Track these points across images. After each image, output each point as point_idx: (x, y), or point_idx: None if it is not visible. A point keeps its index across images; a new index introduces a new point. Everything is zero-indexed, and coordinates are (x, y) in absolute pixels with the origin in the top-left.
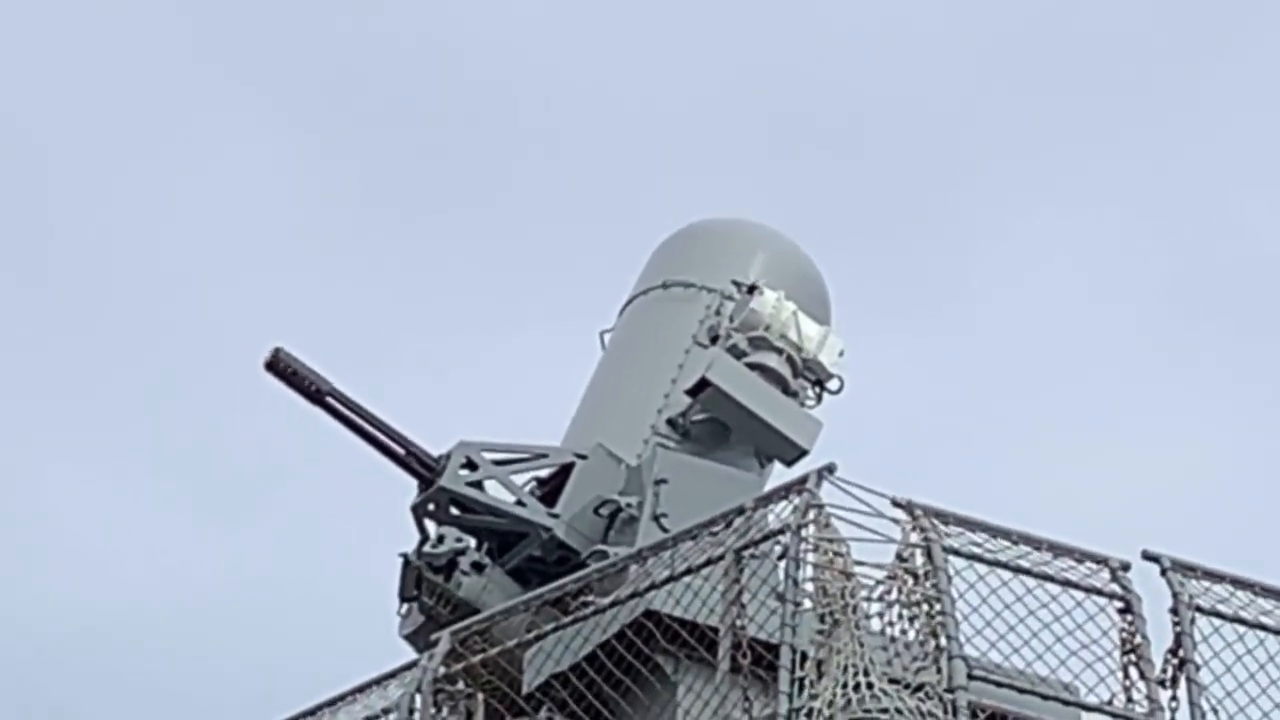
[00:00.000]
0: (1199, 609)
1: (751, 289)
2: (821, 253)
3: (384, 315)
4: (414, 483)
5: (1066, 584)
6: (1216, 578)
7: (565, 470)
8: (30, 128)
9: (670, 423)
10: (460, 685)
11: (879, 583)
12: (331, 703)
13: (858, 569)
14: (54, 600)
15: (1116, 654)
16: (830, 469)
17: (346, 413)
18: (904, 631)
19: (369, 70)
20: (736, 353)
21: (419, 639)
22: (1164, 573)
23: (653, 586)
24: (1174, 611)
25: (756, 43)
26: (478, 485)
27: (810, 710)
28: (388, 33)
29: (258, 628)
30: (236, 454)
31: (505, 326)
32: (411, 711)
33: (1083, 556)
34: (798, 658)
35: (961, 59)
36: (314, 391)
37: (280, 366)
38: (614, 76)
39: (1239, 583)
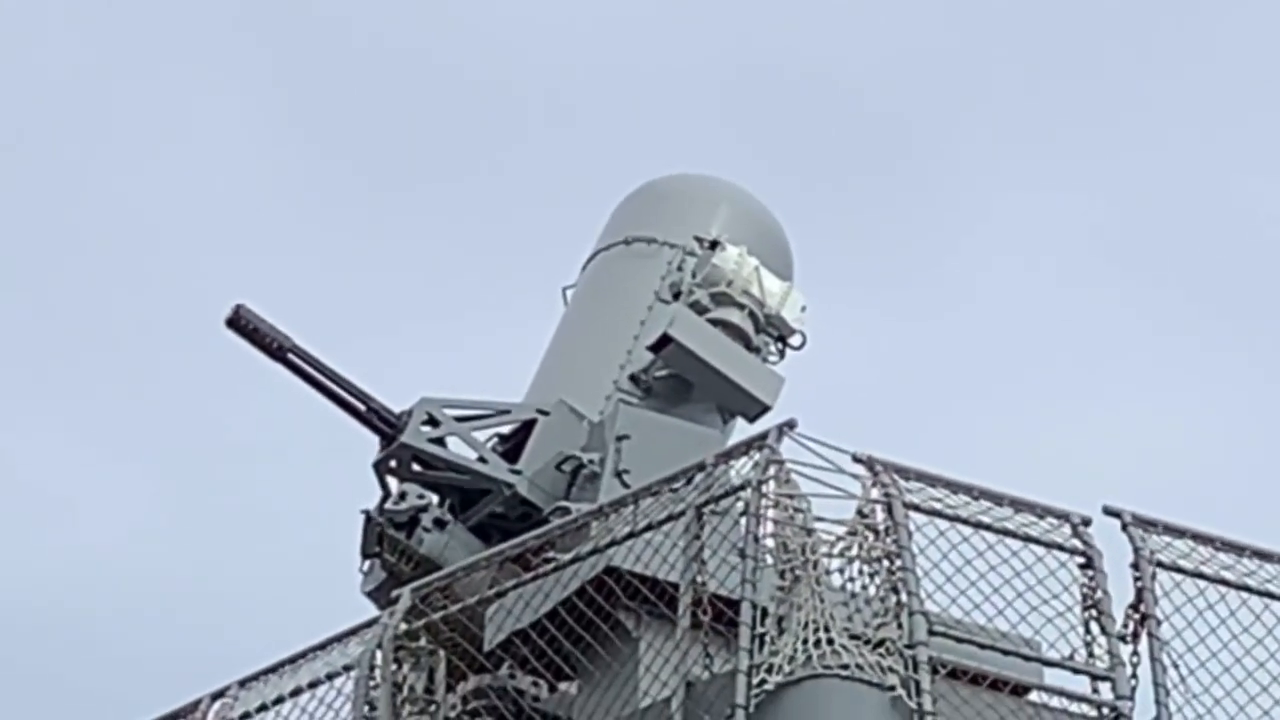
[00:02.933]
0: (1160, 564)
1: (714, 245)
2: (789, 213)
3: (355, 286)
4: (376, 439)
5: (1027, 539)
6: (1177, 533)
7: (527, 426)
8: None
9: (633, 379)
10: (422, 642)
11: (840, 538)
12: (292, 660)
13: (818, 525)
14: (17, 571)
15: (1078, 609)
16: (791, 424)
17: (308, 369)
18: (865, 587)
19: (344, 44)
20: (699, 308)
21: (380, 596)
22: (1125, 528)
23: (613, 543)
24: (1135, 567)
25: (731, 10)
26: (440, 442)
27: (771, 666)
28: (365, 7)
29: (215, 594)
30: (201, 421)
31: (475, 294)
32: (372, 668)
33: (1044, 512)
34: (758, 613)
35: (941, 28)
36: (275, 348)
37: (241, 323)
38: (587, 44)
39: (1200, 538)
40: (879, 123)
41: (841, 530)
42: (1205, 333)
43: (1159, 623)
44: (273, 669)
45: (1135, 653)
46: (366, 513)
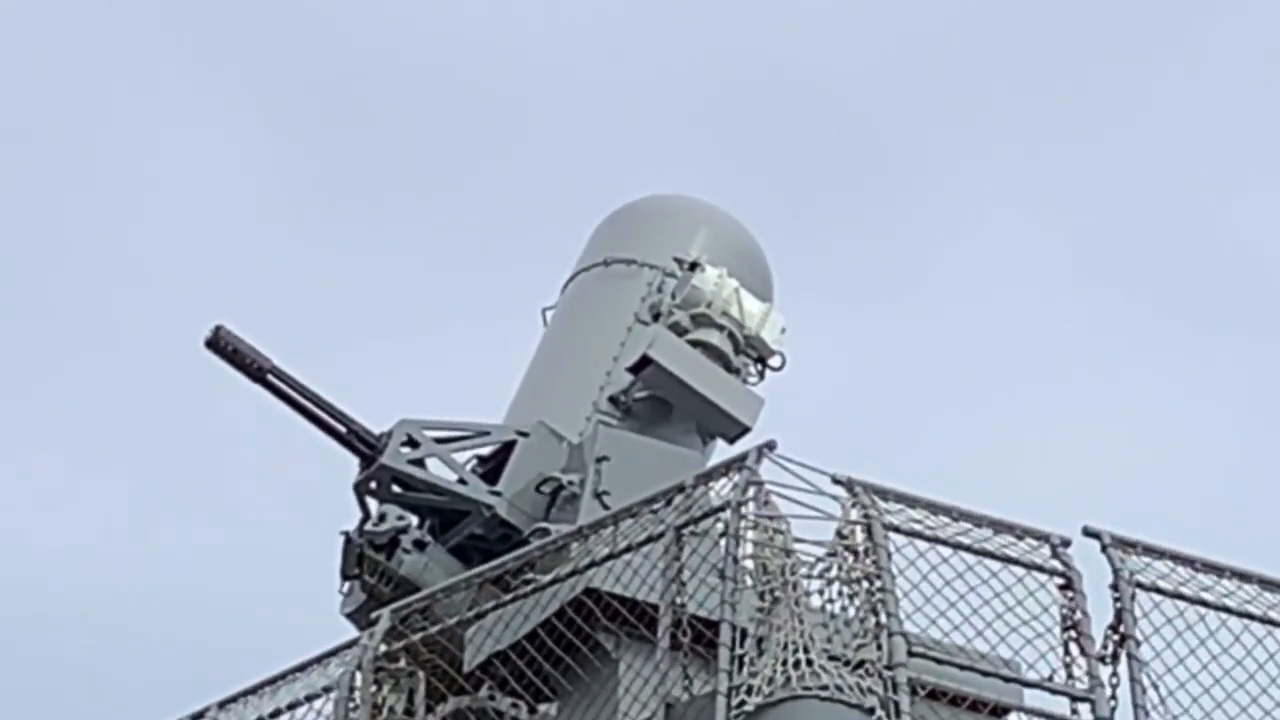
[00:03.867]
0: (1139, 585)
1: (693, 266)
2: (768, 228)
3: (333, 304)
4: (355, 461)
5: (1007, 560)
6: (1156, 554)
7: (507, 448)
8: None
9: (612, 400)
10: (401, 663)
11: (819, 560)
12: (272, 681)
13: (798, 546)
14: None
15: (1057, 630)
16: (770, 446)
17: (288, 390)
18: (844, 608)
19: (327, 60)
20: (678, 330)
21: (360, 617)
22: (1104, 549)
23: (593, 564)
24: (1114, 587)
25: (707, 25)
26: (419, 463)
27: (750, 687)
28: (343, 22)
29: (198, 612)
30: (179, 439)
31: (451, 312)
32: (352, 689)
33: (1023, 533)
34: (738, 635)
35: (923, 42)
36: (255, 369)
37: (221, 344)
38: (565, 61)
39: (1179, 558)
40: (858, 137)
41: (821, 551)
42: (1186, 349)
43: (1138, 644)
44: (252, 690)
45: (1115, 674)
46: (346, 534)
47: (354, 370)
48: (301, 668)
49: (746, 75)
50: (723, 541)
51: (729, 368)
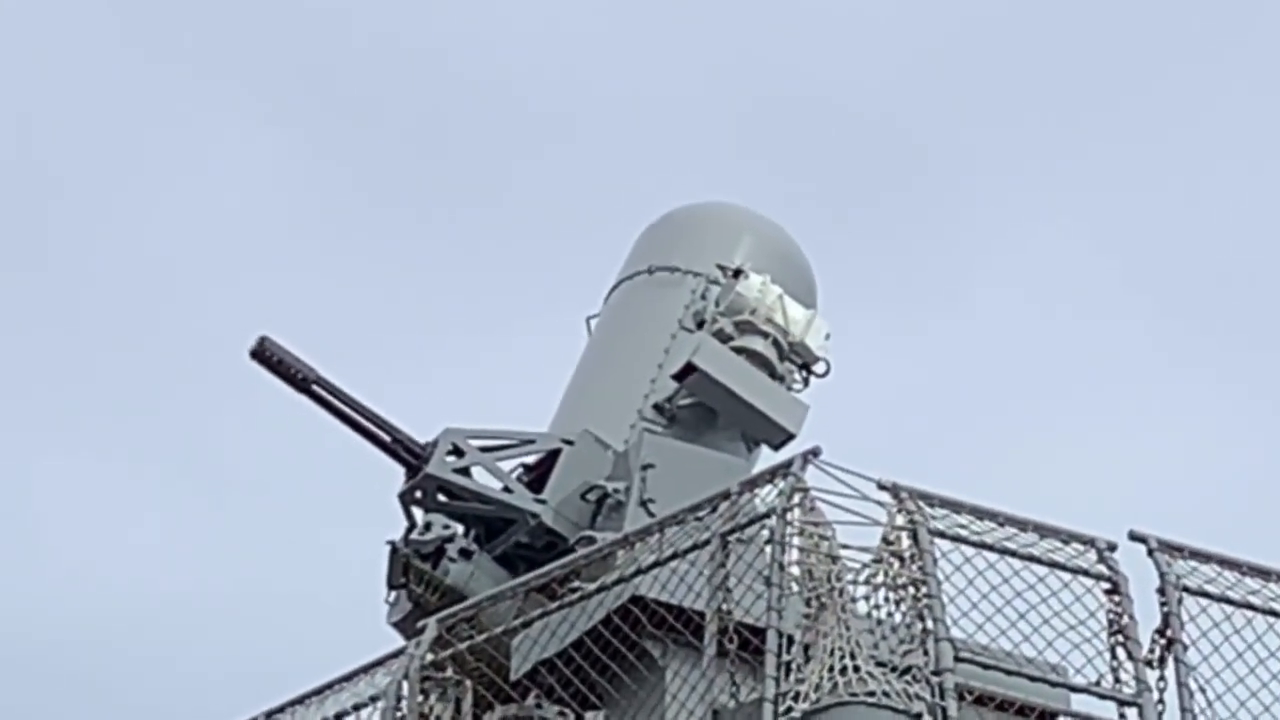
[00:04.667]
0: (1186, 589)
1: (737, 273)
2: (806, 239)
3: (374, 312)
4: (401, 470)
5: (1053, 565)
6: (1203, 558)
7: (552, 456)
8: (28, 123)
9: (657, 408)
10: (448, 672)
11: (865, 566)
12: (319, 691)
13: (843, 552)
14: (35, 602)
15: (1104, 635)
16: (815, 452)
17: (333, 400)
18: (890, 614)
19: (361, 68)
20: (722, 337)
21: (407, 626)
22: (1151, 553)
23: (639, 572)
24: (1161, 591)
25: (747, 34)
26: (464, 472)
27: (797, 694)
28: (380, 31)
29: (244, 623)
30: (223, 449)
31: (496, 323)
32: (399, 699)
33: (1069, 538)
34: (784, 641)
35: (959, 55)
36: (300, 379)
37: (266, 355)
38: (605, 72)
39: (1226, 562)
40: (901, 147)
41: (867, 557)
42: (1231, 360)
43: (1185, 647)
44: (299, 700)
45: (1162, 678)
46: (392, 543)
47: (394, 379)
48: (348, 677)
49: (781, 87)
50: (768, 548)
51: (773, 374)
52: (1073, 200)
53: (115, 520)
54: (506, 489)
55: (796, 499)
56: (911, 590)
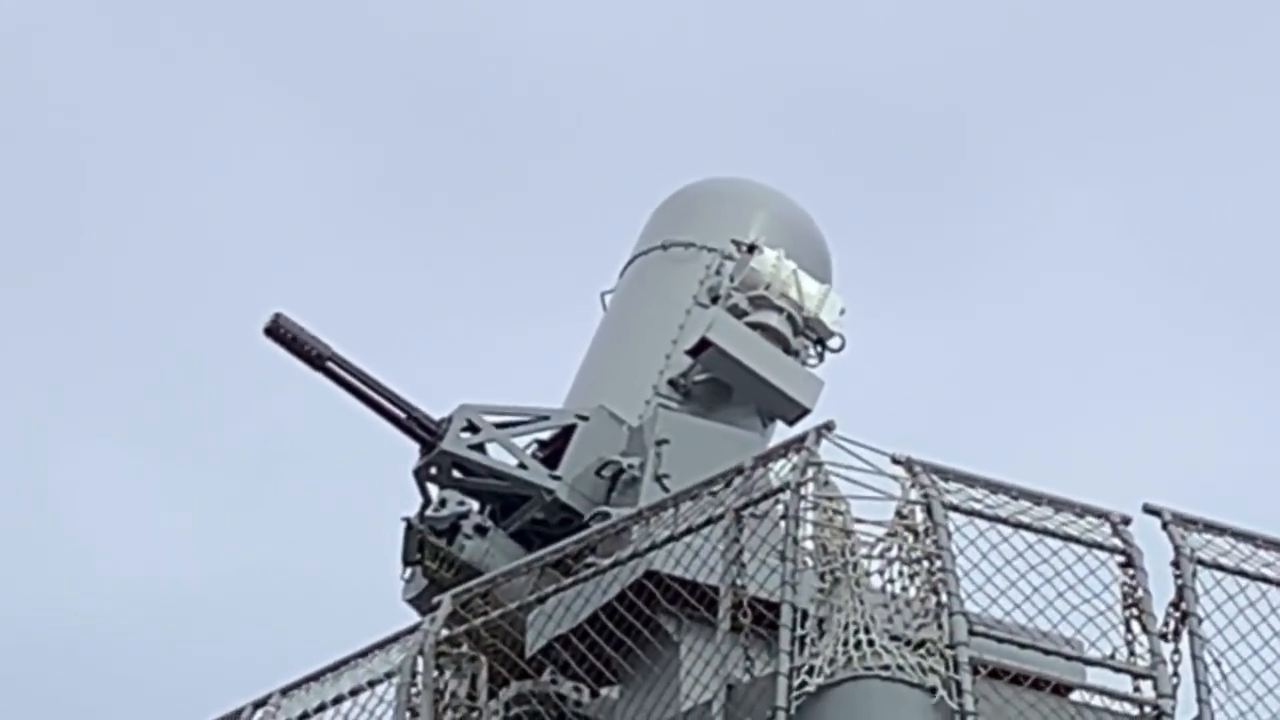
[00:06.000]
0: (1200, 562)
1: (751, 248)
2: (838, 220)
3: (397, 300)
4: (416, 447)
5: (1067, 538)
6: (1218, 531)
7: (567, 432)
8: (57, 118)
9: (671, 383)
10: (463, 648)
11: (879, 540)
12: (334, 667)
13: (858, 526)
14: (56, 592)
15: (1118, 608)
16: (829, 427)
17: (347, 377)
18: (905, 588)
19: (393, 60)
20: (737, 312)
21: (422, 603)
22: (1165, 526)
23: (653, 547)
24: (1175, 565)
25: (772, 25)
26: (479, 448)
27: (812, 668)
28: (410, 21)
29: (262, 606)
30: (240, 435)
31: (516, 311)
32: (414, 675)
33: (1083, 511)
34: (799, 616)
35: (996, 36)
36: (314, 356)
37: (280, 331)
38: (633, 62)
39: (1241, 535)
40: (929, 130)
41: (881, 532)
42: (1245, 337)
43: (1200, 620)
44: (315, 676)
45: (1176, 651)
46: (407, 520)
47: (412, 359)
48: (364, 653)
49: (817, 70)
50: (782, 523)
51: (788, 349)
52: (1106, 185)
53: (139, 509)
54: (521, 465)
55: (810, 473)
56: (926, 564)
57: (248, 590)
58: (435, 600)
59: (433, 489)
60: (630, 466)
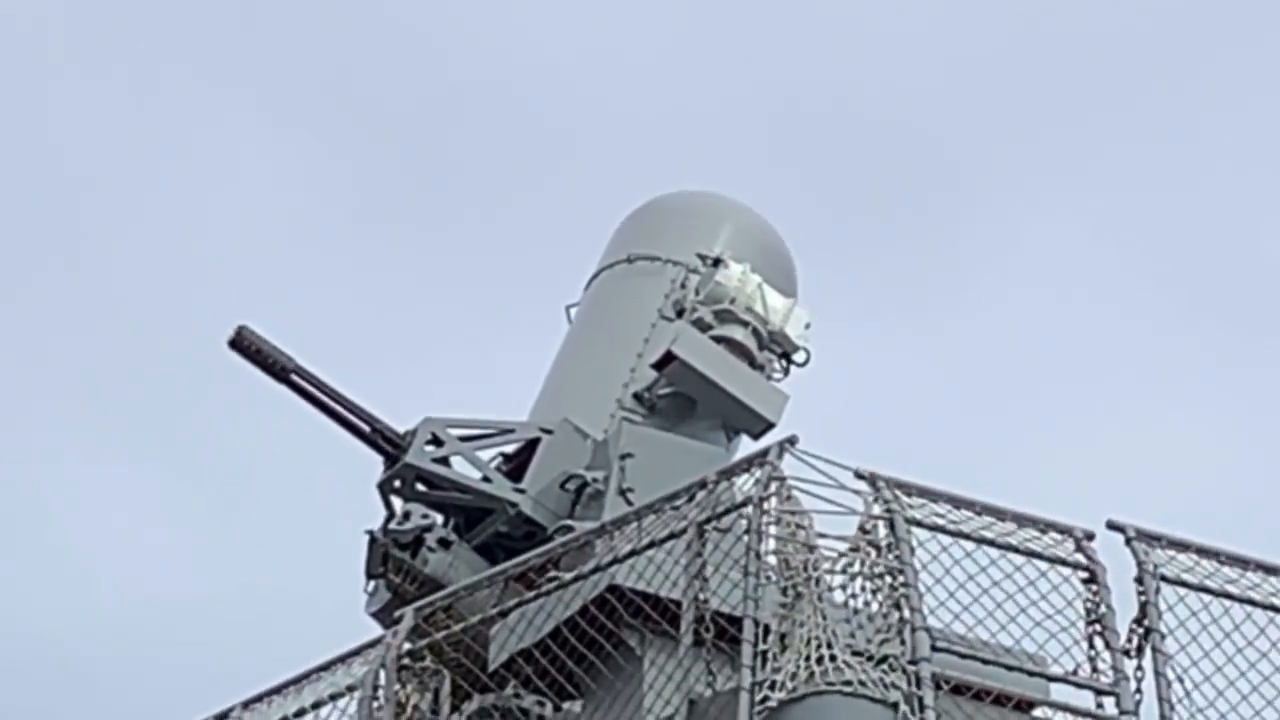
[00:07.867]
0: (1164, 578)
1: (716, 262)
2: (810, 239)
3: (370, 317)
4: (380, 460)
5: (1030, 554)
6: (1181, 547)
7: (531, 445)
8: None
9: (636, 397)
10: (426, 661)
11: (842, 555)
12: (296, 680)
13: (820, 541)
14: (39, 604)
15: (1081, 624)
16: (792, 441)
17: (312, 390)
18: (867, 604)
19: (369, 77)
20: (702, 326)
21: (385, 616)
22: (1128, 542)
23: (615, 561)
24: (1139, 581)
25: (758, 45)
26: (444, 461)
27: (774, 683)
28: (387, 39)
29: (219, 612)
30: (203, 442)
31: (481, 325)
32: (376, 688)
33: (1047, 527)
34: (761, 630)
35: (974, 60)
36: (279, 369)
37: (244, 344)
38: (613, 80)
39: (1204, 551)
40: (905, 146)
41: (844, 546)
42: (1217, 355)
43: (1163, 637)
44: (276, 690)
45: (1140, 667)
46: (371, 533)
47: (376, 373)
48: (326, 667)
49: (811, 98)
50: (745, 537)
51: (753, 363)
52: (1077, 202)
53: (127, 522)
54: (485, 478)
55: (773, 488)
56: (888, 579)
57: (205, 600)
58: (397, 613)
59: (396, 502)
60: (594, 480)
